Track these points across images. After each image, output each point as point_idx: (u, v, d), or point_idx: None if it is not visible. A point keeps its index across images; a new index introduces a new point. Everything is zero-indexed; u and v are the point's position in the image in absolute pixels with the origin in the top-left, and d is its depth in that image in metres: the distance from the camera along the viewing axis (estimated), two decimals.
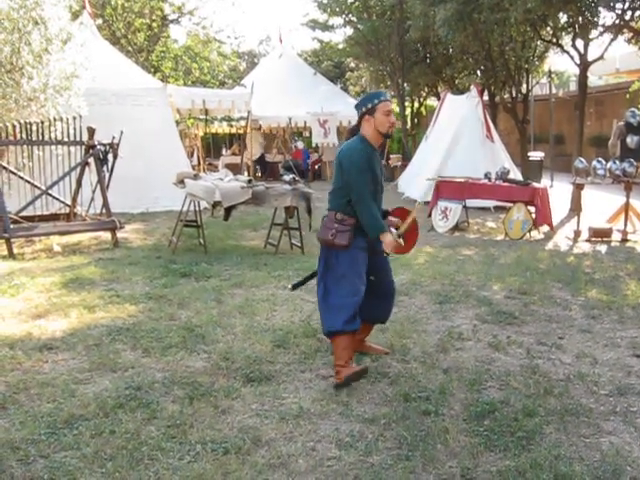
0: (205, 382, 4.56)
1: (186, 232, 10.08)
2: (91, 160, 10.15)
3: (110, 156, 10.31)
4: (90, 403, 4.19)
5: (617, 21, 12.58)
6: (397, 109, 24.93)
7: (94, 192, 10.37)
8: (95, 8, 22.99)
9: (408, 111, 27.69)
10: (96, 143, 10.09)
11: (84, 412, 4.07)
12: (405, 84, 24.54)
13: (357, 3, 23.85)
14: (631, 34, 13.26)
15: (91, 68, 11.29)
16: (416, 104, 29.00)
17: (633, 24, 12.51)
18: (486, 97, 19.96)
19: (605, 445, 3.75)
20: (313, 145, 23.87)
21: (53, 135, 10.16)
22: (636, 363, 5.08)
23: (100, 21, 25.01)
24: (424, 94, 27.87)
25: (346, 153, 4.62)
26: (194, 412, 4.10)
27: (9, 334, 5.55)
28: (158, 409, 4.12)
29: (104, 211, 10.28)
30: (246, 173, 18.34)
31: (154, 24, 27.75)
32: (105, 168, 10.29)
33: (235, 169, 16.16)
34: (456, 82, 23.70)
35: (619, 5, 12.04)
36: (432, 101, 28.78)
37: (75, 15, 17.18)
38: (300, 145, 23.78)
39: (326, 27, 26.53)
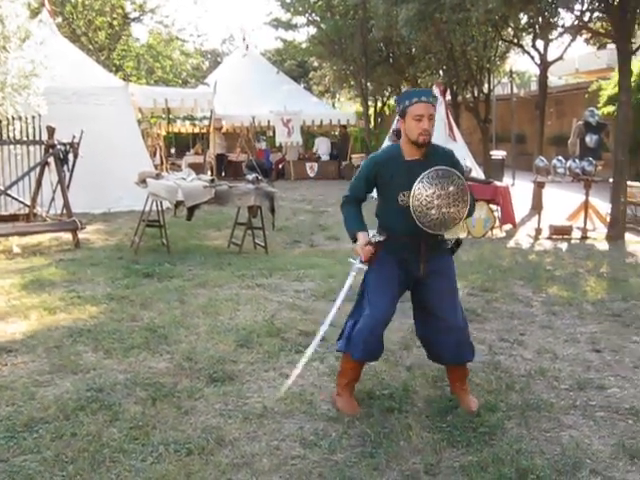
0: (168, 383, 4.53)
1: (149, 232, 9.97)
2: (51, 160, 10.00)
3: (70, 156, 10.16)
4: (50, 406, 4.13)
5: (576, 22, 12.76)
6: (360, 108, 25.03)
7: (54, 192, 10.23)
8: (55, 6, 22.64)
9: (371, 110, 27.80)
10: (56, 142, 9.94)
11: (44, 415, 4.01)
12: (368, 83, 24.63)
13: (320, 2, 23.87)
14: (589, 35, 13.47)
15: (51, 67, 11.09)
16: (379, 103, 29.13)
17: (591, 25, 12.69)
18: (448, 97, 20.10)
19: (565, 439, 3.81)
20: (277, 144, 23.81)
21: (12, 134, 10.00)
22: (595, 358, 5.17)
23: (60, 19, 24.65)
24: (387, 93, 28.01)
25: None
26: (157, 413, 4.06)
27: None
28: (120, 411, 4.08)
29: (65, 211, 10.14)
30: (209, 172, 18.22)
31: (115, 22, 27.45)
32: (65, 168, 10.15)
33: (198, 168, 16.05)
34: (419, 81, 23.83)
35: (578, 7, 12.22)
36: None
37: (34, 13, 16.87)
38: (263, 145, 23.76)
39: (289, 26, 26.54)
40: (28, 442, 3.67)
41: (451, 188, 3.85)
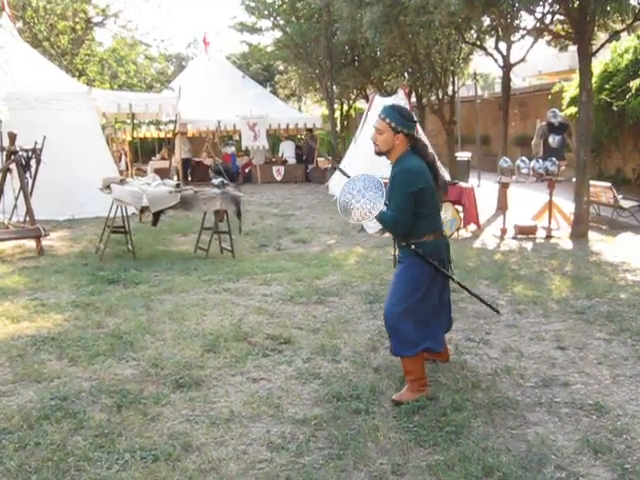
0: (134, 389, 4.49)
1: (114, 238, 9.89)
2: (13, 166, 9.87)
3: (33, 162, 10.04)
4: (14, 415, 4.07)
5: (537, 24, 12.90)
6: (326, 112, 25.05)
7: (17, 199, 10.09)
8: (15, 10, 22.34)
9: (337, 113, 27.86)
10: (18, 149, 9.81)
11: (7, 425, 3.95)
12: (334, 86, 24.66)
13: (284, 6, 23.85)
14: (551, 37, 13.62)
15: (11, 72, 10.97)
16: (345, 106, 29.22)
17: (553, 27, 12.84)
18: (413, 99, 20.23)
19: (531, 435, 3.85)
20: (243, 149, 23.72)
21: None
22: (560, 355, 5.23)
23: (21, 24, 24.29)
24: (353, 96, 28.09)
25: None
26: (122, 420, 4.02)
27: None
28: (85, 419, 4.04)
29: (28, 219, 10.01)
30: (175, 177, 18.10)
31: (78, 27, 27.10)
32: (28, 174, 10.02)
33: (164, 173, 15.95)
34: (384, 84, 23.95)
35: (539, 9, 12.35)
36: (361, 103, 29.03)
37: None
38: (229, 149, 23.65)
39: (254, 30, 26.43)
40: None
41: (370, 193, 4.32)
